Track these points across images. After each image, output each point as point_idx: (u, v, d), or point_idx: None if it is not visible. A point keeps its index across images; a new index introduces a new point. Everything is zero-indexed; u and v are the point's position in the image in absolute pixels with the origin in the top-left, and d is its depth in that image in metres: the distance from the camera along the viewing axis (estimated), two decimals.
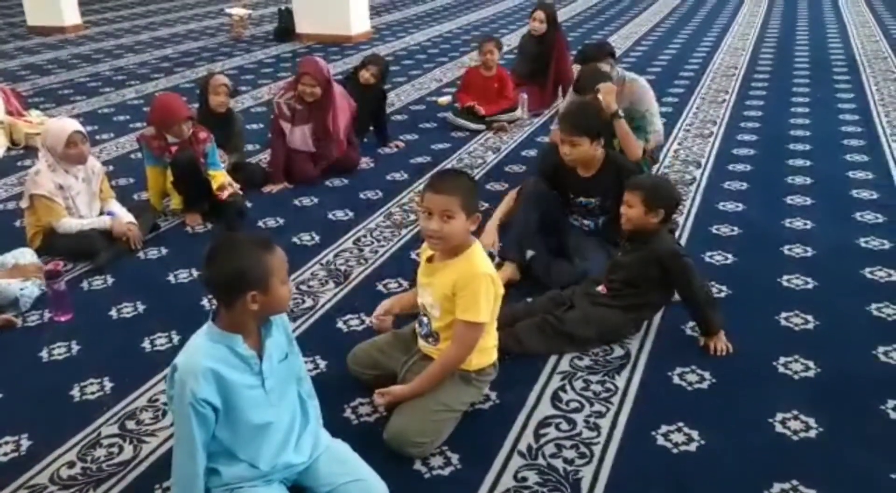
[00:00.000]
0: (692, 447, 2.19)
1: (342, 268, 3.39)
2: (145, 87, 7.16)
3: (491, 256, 3.09)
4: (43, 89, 7.18)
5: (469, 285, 2.15)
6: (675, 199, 2.74)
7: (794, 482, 2.04)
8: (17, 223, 3.86)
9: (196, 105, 4.43)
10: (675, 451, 2.18)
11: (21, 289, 3.06)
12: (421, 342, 2.36)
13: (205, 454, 1.78)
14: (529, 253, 3.17)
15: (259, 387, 1.83)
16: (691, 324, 2.76)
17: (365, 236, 3.73)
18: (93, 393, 2.52)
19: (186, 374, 1.71)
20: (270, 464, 1.88)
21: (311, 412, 2.02)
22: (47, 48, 9.42)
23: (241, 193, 4.00)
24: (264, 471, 1.88)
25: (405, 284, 3.18)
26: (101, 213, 3.64)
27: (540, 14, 5.87)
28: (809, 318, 2.86)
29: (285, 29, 9.52)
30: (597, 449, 2.19)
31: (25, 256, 3.33)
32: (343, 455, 2.00)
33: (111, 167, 4.78)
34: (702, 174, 4.45)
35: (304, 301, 3.10)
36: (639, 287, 2.67)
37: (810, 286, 3.10)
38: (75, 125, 3.48)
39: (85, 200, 3.57)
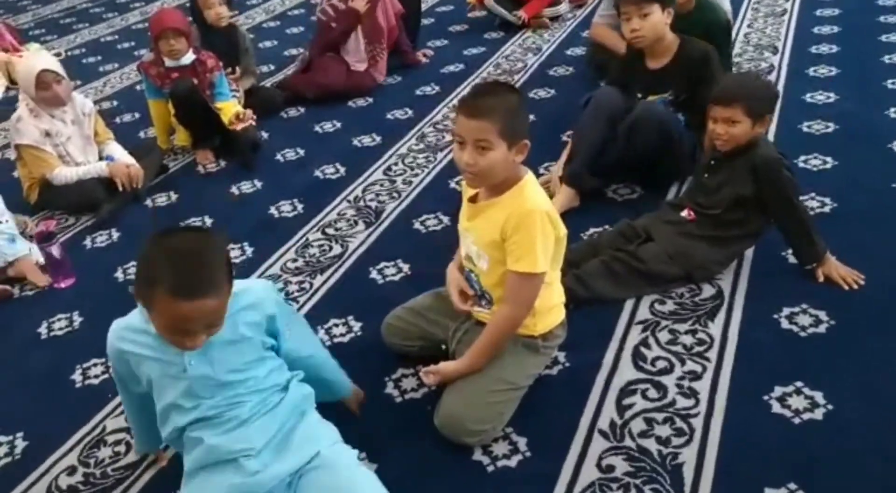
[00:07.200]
0: (817, 414, 1.76)
1: (373, 205, 2.95)
2: (150, 8, 6.62)
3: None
4: (44, 20, 6.72)
5: (521, 227, 1.68)
6: (776, 96, 2.20)
7: None
8: (16, 174, 3.49)
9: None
10: (796, 421, 1.75)
11: None
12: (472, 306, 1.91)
13: (138, 412, 1.70)
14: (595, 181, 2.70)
15: (181, 372, 1.47)
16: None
17: (396, 164, 3.26)
18: (96, 376, 2.19)
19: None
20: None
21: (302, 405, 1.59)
22: None
23: (255, 123, 3.55)
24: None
25: (445, 220, 2.74)
26: (101, 158, 3.24)
27: None
28: None
29: None
30: (697, 423, 1.77)
31: None
32: (339, 482, 1.47)
33: (115, 102, 4.37)
34: (780, 61, 3.81)
35: (330, 248, 2.68)
36: (733, 211, 2.18)
37: None
38: (45, 62, 3.00)
39: (78, 146, 3.15)
